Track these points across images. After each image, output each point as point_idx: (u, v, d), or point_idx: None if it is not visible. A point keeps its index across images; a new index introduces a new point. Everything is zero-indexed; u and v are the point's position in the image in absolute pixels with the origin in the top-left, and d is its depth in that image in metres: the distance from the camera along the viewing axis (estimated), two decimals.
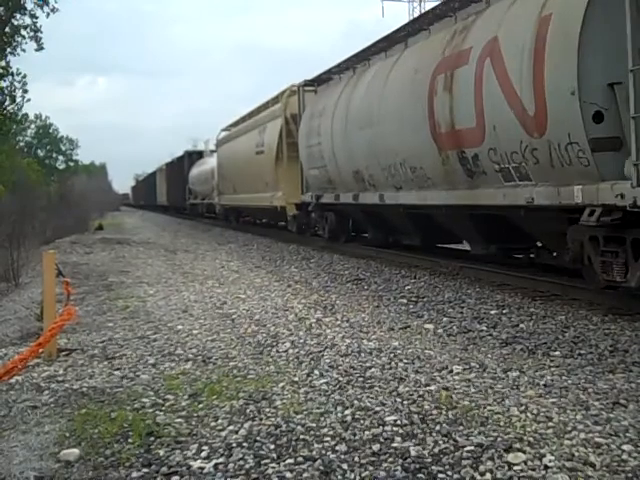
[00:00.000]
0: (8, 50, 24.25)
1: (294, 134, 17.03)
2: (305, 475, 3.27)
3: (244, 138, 22.81)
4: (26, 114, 37.64)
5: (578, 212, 6.85)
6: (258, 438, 3.72)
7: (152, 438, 3.78)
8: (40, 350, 5.28)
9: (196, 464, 3.44)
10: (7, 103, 25.13)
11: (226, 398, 4.43)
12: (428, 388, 4.48)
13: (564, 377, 4.74)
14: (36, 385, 4.92)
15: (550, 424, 3.76)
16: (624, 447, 3.42)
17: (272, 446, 3.61)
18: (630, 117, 6.05)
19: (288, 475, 3.27)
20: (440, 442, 3.56)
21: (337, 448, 3.55)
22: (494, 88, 7.85)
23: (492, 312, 7.28)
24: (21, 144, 52.34)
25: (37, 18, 24.35)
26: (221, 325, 6.93)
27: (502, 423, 3.80)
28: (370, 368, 5.02)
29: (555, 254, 8.53)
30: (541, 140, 7.16)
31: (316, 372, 4.99)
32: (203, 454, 3.55)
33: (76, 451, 3.65)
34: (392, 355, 5.39)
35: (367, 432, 3.74)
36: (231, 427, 3.91)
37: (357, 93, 12.61)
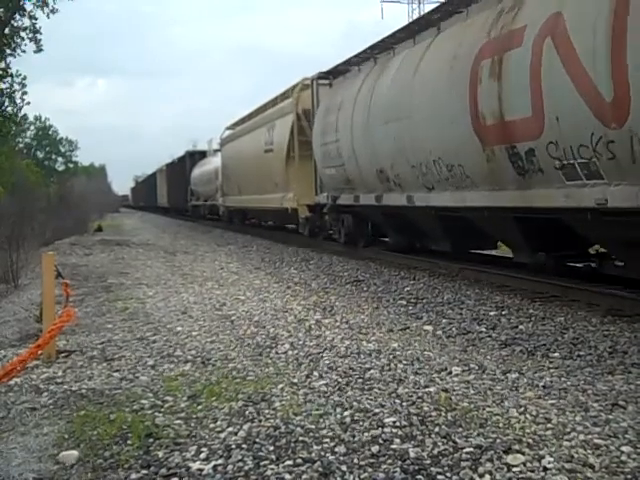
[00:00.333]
0: (8, 51, 24.24)
1: (306, 131, 16.11)
2: (304, 477, 3.27)
3: (251, 136, 21.75)
4: (25, 115, 37.73)
5: None
6: (257, 440, 3.72)
7: (151, 440, 3.78)
8: (39, 352, 5.27)
9: (195, 465, 3.43)
10: (6, 104, 25.12)
11: (225, 400, 4.42)
12: (427, 389, 4.48)
13: (563, 378, 4.74)
14: (35, 387, 4.92)
15: (549, 425, 3.76)
16: (623, 448, 3.42)
17: (271, 448, 3.61)
18: None
19: (287, 477, 3.27)
20: (439, 444, 3.56)
21: (336, 450, 3.54)
22: (557, 72, 6.82)
23: (491, 313, 7.28)
24: (20, 145, 52.35)
25: (37, 19, 24.34)
26: (220, 327, 6.93)
27: (501, 424, 3.80)
28: (369, 369, 5.02)
29: (623, 264, 7.56)
30: (620, 131, 6.17)
31: (315, 373, 4.99)
32: (202, 455, 3.55)
33: (75, 453, 3.65)
34: (391, 356, 5.39)
35: (366, 434, 3.74)
36: (230, 428, 3.90)
37: (381, 84, 11.41)
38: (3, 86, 24.59)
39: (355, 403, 4.25)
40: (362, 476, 3.25)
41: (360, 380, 4.77)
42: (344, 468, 3.33)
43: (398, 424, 3.86)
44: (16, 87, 24.83)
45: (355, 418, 3.98)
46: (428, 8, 27.05)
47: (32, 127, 66.79)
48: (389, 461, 3.39)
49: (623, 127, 6.15)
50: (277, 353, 5.68)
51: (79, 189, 41.40)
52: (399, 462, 3.37)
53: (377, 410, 4.10)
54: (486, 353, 5.64)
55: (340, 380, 4.78)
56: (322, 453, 3.51)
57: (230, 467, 3.40)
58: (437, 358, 5.37)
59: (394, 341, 6.03)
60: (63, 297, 6.37)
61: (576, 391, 4.42)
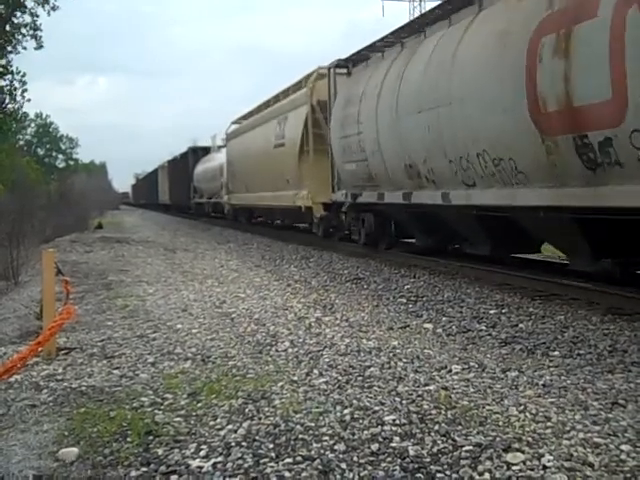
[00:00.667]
0: (8, 48, 24.25)
1: (322, 124, 15.07)
2: (304, 474, 3.27)
3: (260, 130, 20.49)
4: (26, 113, 37.65)
5: None
6: (257, 437, 3.72)
7: (151, 437, 3.78)
8: (39, 349, 5.28)
9: (195, 463, 3.44)
10: (7, 101, 25.13)
11: (225, 397, 4.43)
12: (427, 388, 4.48)
13: (563, 377, 4.74)
14: (35, 384, 4.92)
15: (549, 424, 3.76)
16: (623, 447, 3.42)
17: (271, 445, 3.61)
18: None
19: (287, 474, 3.27)
20: (439, 442, 3.57)
21: (336, 447, 3.55)
22: None
23: (491, 312, 7.28)
24: (21, 143, 52.34)
25: (37, 16, 24.38)
26: (220, 324, 6.93)
27: (501, 423, 3.80)
28: (369, 367, 5.02)
29: None
30: None
31: (315, 371, 4.99)
32: (202, 453, 3.55)
33: (75, 450, 3.65)
34: (391, 354, 5.40)
35: (366, 431, 3.74)
36: (230, 426, 3.91)
37: (411, 70, 10.30)
38: (3, 83, 24.61)
39: (355, 401, 4.25)
40: (362, 474, 3.25)
41: (360, 378, 4.77)
42: (344, 466, 3.33)
43: (398, 422, 3.86)
44: (16, 84, 24.87)
45: (355, 416, 3.99)
46: (430, 6, 27.02)
47: (33, 124, 66.83)
48: (389, 459, 3.39)
49: None
50: (277, 351, 5.69)
51: (79, 186, 41.38)
52: (399, 460, 3.37)
53: (377, 408, 4.10)
54: (486, 351, 5.64)
55: (340, 378, 4.79)
56: (322, 451, 3.52)
57: (230, 465, 3.40)
58: (437, 356, 5.38)
59: (394, 339, 6.03)
60: (63, 294, 6.37)
61: (576, 390, 4.42)
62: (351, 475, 3.25)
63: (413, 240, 12.77)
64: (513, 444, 3.48)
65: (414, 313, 7.50)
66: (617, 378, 4.70)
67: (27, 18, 24.42)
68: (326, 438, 3.68)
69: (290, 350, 5.68)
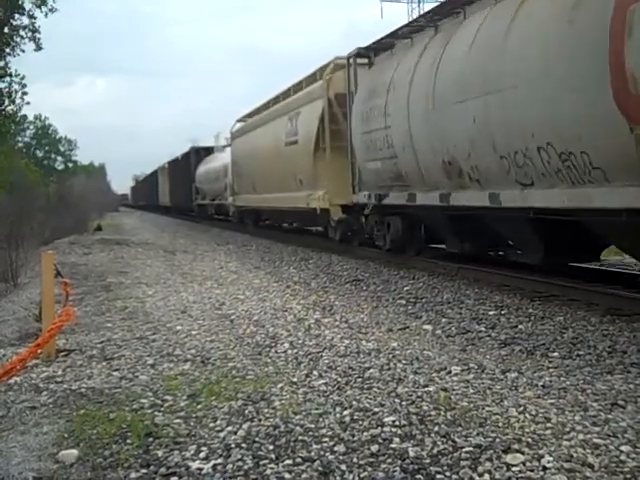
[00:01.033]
0: (7, 51, 24.26)
1: (339, 119, 13.98)
2: (304, 476, 3.27)
3: (269, 127, 19.28)
4: (25, 115, 37.69)
5: None
6: (257, 439, 3.72)
7: (151, 439, 3.78)
8: (39, 351, 5.27)
9: (195, 465, 3.44)
10: (6, 104, 25.13)
11: (225, 399, 4.43)
12: (427, 389, 4.48)
13: (562, 378, 4.74)
14: (35, 386, 4.92)
15: (549, 425, 3.77)
16: (622, 448, 3.43)
17: (271, 447, 3.61)
18: None
19: (287, 476, 3.27)
20: (439, 443, 3.57)
21: (336, 449, 3.55)
22: None
23: (491, 313, 7.28)
24: (20, 145, 52.34)
25: (35, 18, 24.38)
26: (220, 326, 6.93)
27: (501, 424, 3.80)
28: (369, 369, 5.02)
29: None
30: None
31: (315, 373, 4.99)
32: (202, 455, 3.55)
33: (75, 452, 3.65)
34: (391, 356, 5.40)
35: (366, 433, 3.74)
36: (230, 428, 3.91)
37: (451, 55, 9.15)
38: (2, 85, 24.62)
39: (354, 402, 4.25)
40: (362, 475, 3.25)
41: (359, 379, 4.77)
42: (343, 467, 3.33)
43: (397, 423, 3.86)
44: (15, 87, 24.88)
45: (354, 417, 3.99)
46: (428, 7, 27.08)
47: (31, 126, 66.81)
48: (388, 460, 3.39)
49: None
50: (277, 352, 5.69)
51: (78, 188, 41.36)
52: (398, 461, 3.37)
53: (376, 409, 4.10)
54: (485, 352, 5.64)
55: (339, 379, 4.79)
56: (321, 452, 3.52)
57: (229, 466, 3.40)
58: (436, 357, 5.38)
59: (393, 340, 6.03)
60: (62, 296, 6.37)
61: (575, 390, 4.43)
62: (351, 476, 3.25)
63: (442, 246, 11.55)
64: (513, 445, 3.48)
65: (413, 314, 7.50)
66: (616, 379, 4.70)
67: (25, 20, 24.45)
68: (326, 439, 3.68)
69: (289, 351, 5.69)
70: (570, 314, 6.98)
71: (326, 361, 5.30)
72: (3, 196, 22.59)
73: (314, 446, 3.60)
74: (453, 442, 3.56)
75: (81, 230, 25.74)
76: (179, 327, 6.91)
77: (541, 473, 3.18)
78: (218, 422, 4.01)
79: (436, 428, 3.77)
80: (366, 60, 12.85)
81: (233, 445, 3.65)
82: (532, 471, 3.20)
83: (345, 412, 4.08)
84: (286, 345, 5.90)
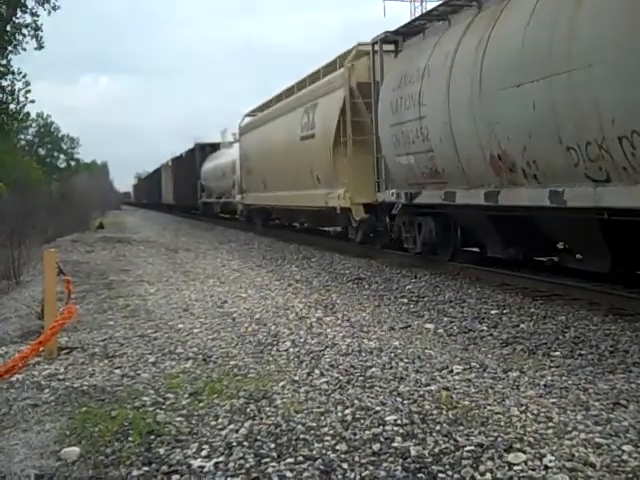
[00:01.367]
0: (9, 49, 24.26)
1: (362, 110, 12.86)
2: (305, 474, 3.27)
3: (282, 121, 18.11)
4: (28, 113, 37.66)
5: None
6: (258, 437, 3.73)
7: (152, 437, 3.78)
8: (41, 348, 5.28)
9: (196, 463, 3.44)
10: (9, 101, 25.14)
11: (226, 397, 4.43)
12: (428, 388, 4.48)
13: (564, 377, 4.74)
14: (37, 383, 4.92)
15: (550, 424, 3.76)
16: (624, 447, 3.42)
17: (272, 445, 3.62)
18: None
19: (288, 474, 3.28)
20: (440, 442, 3.56)
21: (337, 447, 3.55)
22: None
23: (493, 312, 7.28)
24: (22, 143, 52.38)
25: (38, 16, 24.38)
26: (222, 324, 6.94)
27: (502, 423, 3.80)
28: (370, 367, 5.02)
29: None
30: None
31: (316, 371, 4.99)
32: (203, 453, 3.56)
33: (77, 449, 3.66)
34: (392, 355, 5.40)
35: (367, 432, 3.74)
36: (231, 426, 3.91)
37: (501, 33, 8.05)
38: (4, 83, 24.63)
39: (356, 401, 4.25)
40: (363, 474, 3.25)
41: (361, 378, 4.77)
42: (345, 466, 3.33)
43: (399, 422, 3.86)
44: (18, 85, 24.88)
45: (356, 416, 3.99)
46: (430, 6, 26.97)
47: (34, 124, 66.74)
48: (390, 459, 3.39)
49: None
50: (278, 351, 5.69)
51: (81, 186, 41.48)
52: (400, 460, 3.37)
53: (378, 408, 4.10)
54: (487, 352, 5.64)
55: (341, 378, 4.79)
56: (323, 451, 3.52)
57: (231, 464, 3.40)
58: (438, 356, 5.38)
59: (395, 339, 6.03)
60: (65, 294, 6.38)
61: (577, 390, 4.42)
62: (352, 475, 3.25)
63: (476, 249, 10.69)
64: (515, 444, 3.48)
65: (415, 313, 7.50)
66: (618, 378, 4.70)
67: (28, 18, 24.45)
68: (327, 438, 3.68)
69: (291, 350, 5.69)
70: (572, 313, 6.97)
71: (328, 360, 5.30)
72: (6, 194, 22.61)
73: (316, 445, 3.60)
74: (455, 441, 3.56)
75: (83, 228, 25.79)
76: (181, 325, 6.92)
77: (543, 472, 3.18)
78: (220, 420, 4.01)
79: (438, 427, 3.77)
80: (392, 47, 11.87)
81: (235, 443, 3.65)
82: (534, 470, 3.20)
83: (347, 411, 4.08)
84: (288, 343, 5.90)
